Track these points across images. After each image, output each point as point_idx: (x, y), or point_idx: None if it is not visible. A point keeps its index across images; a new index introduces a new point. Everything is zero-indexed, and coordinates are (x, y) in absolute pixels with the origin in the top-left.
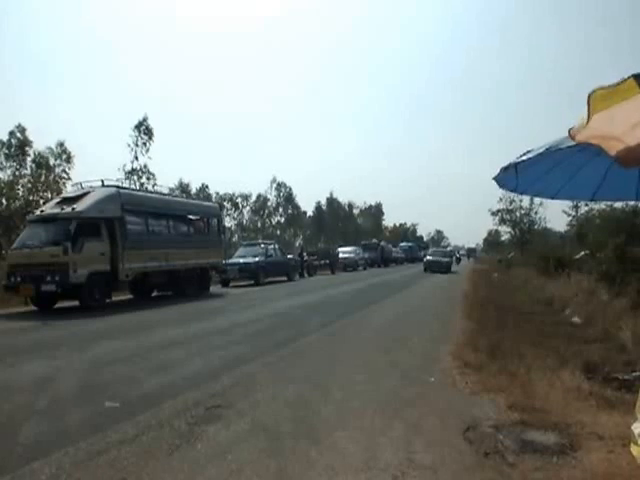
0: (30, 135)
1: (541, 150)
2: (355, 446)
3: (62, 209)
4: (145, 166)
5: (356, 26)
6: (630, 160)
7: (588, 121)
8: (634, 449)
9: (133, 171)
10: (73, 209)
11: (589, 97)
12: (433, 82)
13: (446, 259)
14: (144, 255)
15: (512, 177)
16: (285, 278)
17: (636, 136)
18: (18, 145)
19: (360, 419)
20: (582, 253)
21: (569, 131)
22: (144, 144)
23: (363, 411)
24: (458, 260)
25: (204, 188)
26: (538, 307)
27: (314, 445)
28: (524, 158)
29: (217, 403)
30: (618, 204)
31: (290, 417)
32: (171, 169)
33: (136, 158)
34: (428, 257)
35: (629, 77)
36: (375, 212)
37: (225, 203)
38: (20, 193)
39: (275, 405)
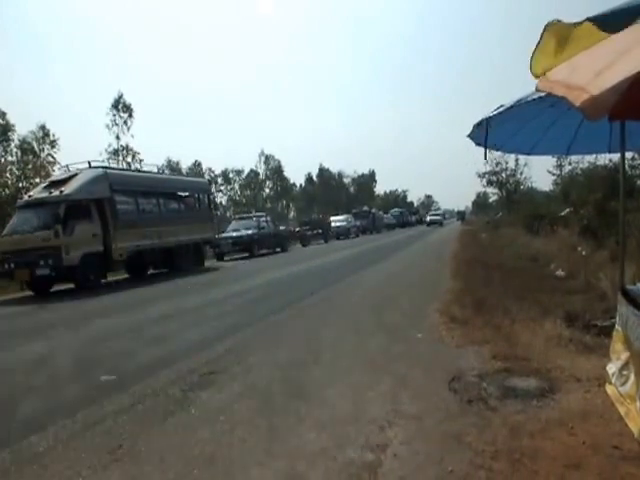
0: (11, 119)
1: (511, 104)
2: (344, 401)
3: (50, 193)
4: (127, 145)
5: None
6: (595, 111)
7: (536, 49)
8: (608, 388)
9: (116, 151)
10: (61, 192)
11: (546, 27)
12: (418, 48)
13: None
14: (136, 234)
15: (485, 133)
16: (279, 249)
17: (599, 85)
18: (0, 131)
19: (349, 376)
20: (566, 210)
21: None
22: (124, 122)
23: (352, 369)
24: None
25: (196, 165)
26: (524, 263)
27: (304, 403)
28: (495, 113)
29: (211, 370)
30: (601, 161)
31: (281, 378)
32: (160, 147)
33: (117, 137)
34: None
35: (584, 20)
36: (368, 180)
37: (219, 179)
38: (9, 181)
39: (267, 368)
